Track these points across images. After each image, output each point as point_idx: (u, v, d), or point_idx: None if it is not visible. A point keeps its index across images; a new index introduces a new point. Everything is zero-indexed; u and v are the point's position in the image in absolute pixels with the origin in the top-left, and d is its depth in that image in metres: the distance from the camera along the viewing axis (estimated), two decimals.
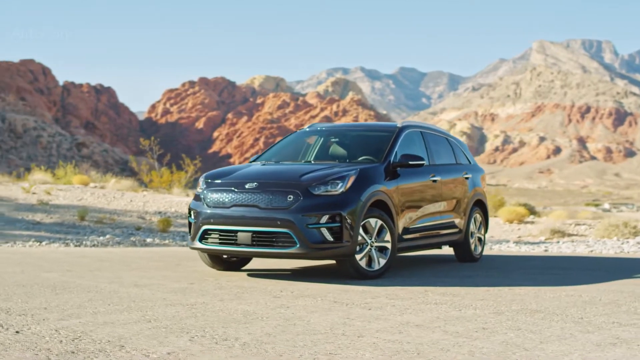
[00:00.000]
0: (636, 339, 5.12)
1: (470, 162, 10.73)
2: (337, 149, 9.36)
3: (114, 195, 21.40)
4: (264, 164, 8.87)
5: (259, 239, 7.68)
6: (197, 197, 8.27)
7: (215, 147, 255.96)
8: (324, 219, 7.58)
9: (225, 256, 8.61)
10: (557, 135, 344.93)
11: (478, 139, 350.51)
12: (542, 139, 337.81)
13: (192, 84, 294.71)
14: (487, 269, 9.68)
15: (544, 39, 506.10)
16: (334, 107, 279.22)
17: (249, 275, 8.39)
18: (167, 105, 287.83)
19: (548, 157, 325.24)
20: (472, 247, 10.35)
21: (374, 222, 8.00)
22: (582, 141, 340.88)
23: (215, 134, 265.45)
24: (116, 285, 7.35)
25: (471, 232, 10.32)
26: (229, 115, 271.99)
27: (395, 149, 8.80)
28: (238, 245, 7.78)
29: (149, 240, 13.89)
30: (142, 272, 8.60)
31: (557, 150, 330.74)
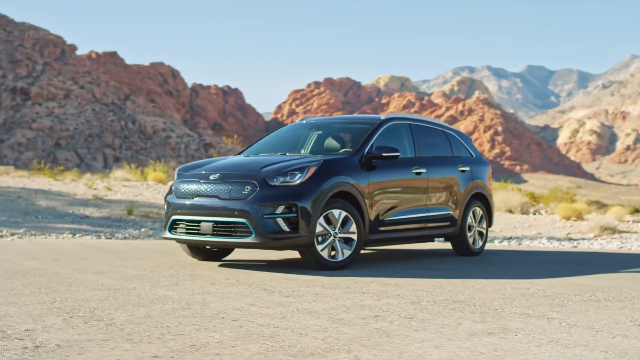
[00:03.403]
0: (521, 330, 5.01)
1: (472, 156, 10.54)
2: (331, 142, 9.42)
3: None
4: (247, 156, 9.05)
5: (219, 229, 7.86)
6: (170, 189, 8.53)
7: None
8: (280, 209, 7.68)
9: (207, 247, 8.81)
10: None
11: (608, 137, 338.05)
12: None
13: (317, 84, 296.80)
14: (474, 262, 9.52)
15: None
16: (459, 106, 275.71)
17: (220, 265, 8.56)
18: (293, 105, 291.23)
19: None
20: (471, 240, 10.17)
21: (337, 213, 8.02)
22: None
23: None
24: (78, 272, 7.67)
25: (469, 226, 10.13)
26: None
27: (372, 141, 8.79)
28: (202, 235, 7.99)
29: None
30: (123, 261, 8.91)
31: None
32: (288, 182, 7.80)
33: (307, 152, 9.40)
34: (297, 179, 7.81)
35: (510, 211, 20.13)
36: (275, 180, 7.79)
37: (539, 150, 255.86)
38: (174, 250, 10.38)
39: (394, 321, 5.24)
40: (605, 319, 5.45)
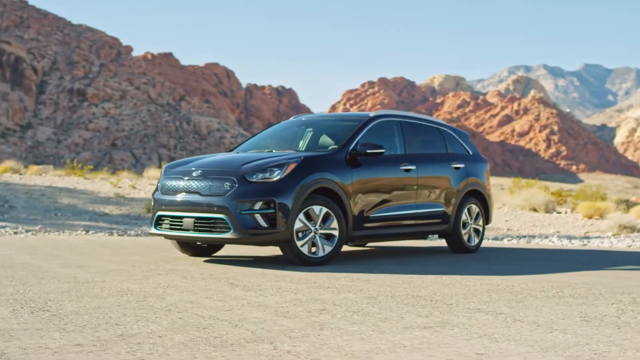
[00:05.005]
0: (460, 324, 5.03)
1: (469, 153, 10.50)
2: (326, 139, 9.49)
3: None
4: (237, 154, 9.18)
5: (200, 225, 7.99)
6: (157, 186, 8.70)
7: None
8: (258, 205, 7.78)
9: (198, 242, 8.94)
10: None
11: None
12: None
13: (371, 84, 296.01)
14: (463, 259, 9.49)
15: None
16: (515, 105, 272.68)
17: (205, 261, 8.68)
18: (347, 105, 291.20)
19: None
20: (466, 238, 10.13)
21: (318, 210, 8.09)
22: None
23: None
24: (61, 266, 7.87)
25: (463, 223, 10.10)
26: None
27: (358, 138, 8.84)
28: (184, 230, 8.13)
29: None
30: (114, 256, 9.11)
31: None
32: (267, 178, 7.90)
33: (303, 149, 9.47)
34: (276, 176, 7.90)
35: (534, 209, 19.94)
36: (254, 176, 7.90)
37: (595, 150, 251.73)
38: (172, 246, 10.55)
39: (337, 314, 5.29)
40: (555, 315, 5.42)
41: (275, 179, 7.89)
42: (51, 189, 19.46)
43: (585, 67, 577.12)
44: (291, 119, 10.35)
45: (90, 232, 13.23)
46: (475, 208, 10.31)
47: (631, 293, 6.58)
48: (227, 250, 9.97)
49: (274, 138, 9.96)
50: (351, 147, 8.70)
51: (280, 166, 7.98)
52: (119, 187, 20.96)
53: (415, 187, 9.36)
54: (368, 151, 8.62)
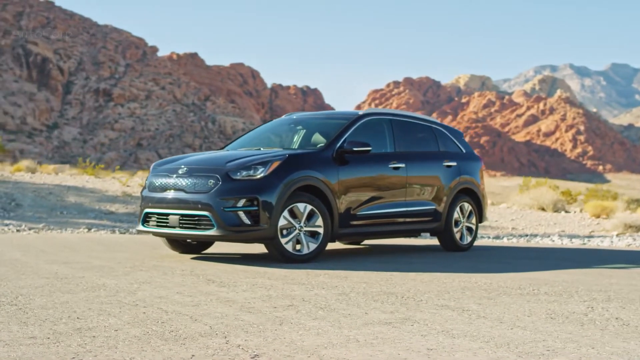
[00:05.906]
0: (422, 320, 5.04)
1: (462, 151, 10.48)
2: (318, 138, 9.51)
3: None
4: (227, 152, 9.23)
5: (185, 222, 8.05)
6: (145, 184, 8.78)
7: None
8: (241, 202, 7.82)
9: (188, 240, 8.99)
10: None
11: None
12: None
13: (396, 84, 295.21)
14: (451, 257, 9.46)
15: None
16: (541, 105, 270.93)
17: (192, 258, 8.74)
18: (372, 105, 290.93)
19: None
20: (458, 236, 10.12)
21: (303, 207, 8.11)
22: None
23: None
24: (47, 263, 7.96)
25: (455, 221, 10.09)
26: (434, 115, 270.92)
27: (345, 136, 8.85)
28: (170, 227, 8.18)
29: None
30: (105, 253, 9.20)
31: None
32: (251, 175, 7.93)
33: (296, 147, 9.50)
34: (260, 173, 7.94)
35: (543, 209, 19.83)
36: (238, 174, 7.94)
37: (622, 150, 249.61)
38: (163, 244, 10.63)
39: (303, 310, 5.31)
40: (521, 312, 5.41)
41: (258, 176, 7.93)
42: (59, 187, 19.63)
43: (612, 67, 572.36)
44: (282, 117, 10.39)
45: (93, 229, 13.34)
46: (467, 206, 10.29)
47: (607, 291, 6.55)
48: (218, 248, 10.03)
49: (265, 136, 10.00)
50: (338, 144, 8.72)
51: (264, 164, 8.01)
52: (128, 186, 21.10)
53: (404, 185, 9.36)
54: (355, 149, 8.63)
